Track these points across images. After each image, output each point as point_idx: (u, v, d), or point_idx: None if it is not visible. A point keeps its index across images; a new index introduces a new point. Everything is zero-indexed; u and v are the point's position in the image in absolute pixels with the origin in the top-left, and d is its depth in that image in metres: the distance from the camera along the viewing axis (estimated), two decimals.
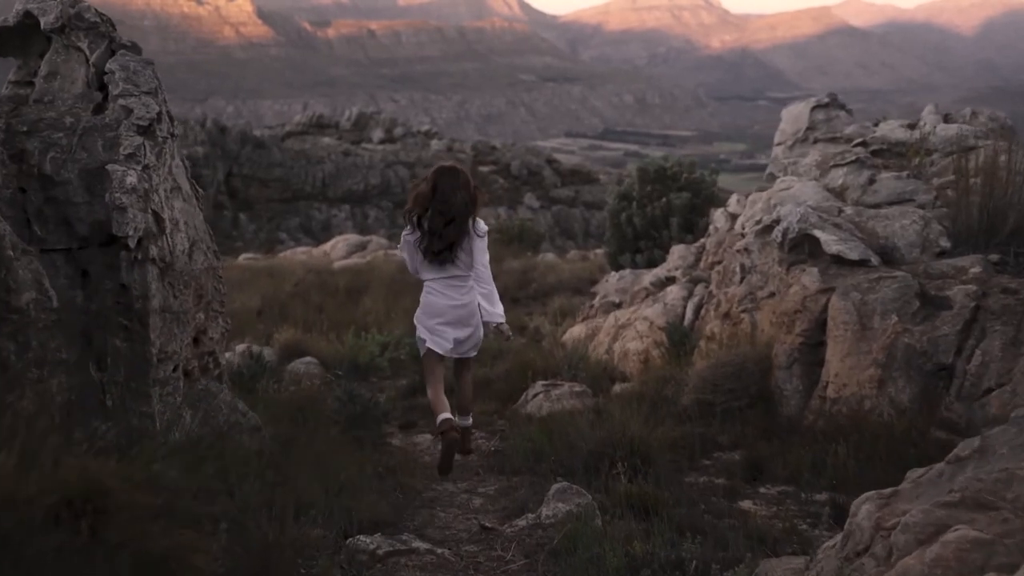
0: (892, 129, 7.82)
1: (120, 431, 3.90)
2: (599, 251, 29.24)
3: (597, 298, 10.94)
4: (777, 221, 5.80)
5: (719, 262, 7.79)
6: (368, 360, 8.33)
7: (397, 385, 8.13)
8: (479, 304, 4.64)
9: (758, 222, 6.12)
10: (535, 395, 6.34)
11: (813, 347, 5.50)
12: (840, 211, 5.86)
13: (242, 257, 20.18)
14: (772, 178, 9.03)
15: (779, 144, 9.13)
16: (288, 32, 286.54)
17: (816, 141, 8.90)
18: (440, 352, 4.65)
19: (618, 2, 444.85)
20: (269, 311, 10.81)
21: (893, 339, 5.05)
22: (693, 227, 12.78)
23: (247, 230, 49.59)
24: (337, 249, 21.47)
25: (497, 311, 4.77)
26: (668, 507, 3.88)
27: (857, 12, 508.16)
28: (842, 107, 9.18)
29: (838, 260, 5.53)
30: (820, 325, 5.46)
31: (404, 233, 4.64)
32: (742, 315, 6.07)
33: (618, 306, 10.26)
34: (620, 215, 12.91)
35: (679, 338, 6.91)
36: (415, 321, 4.73)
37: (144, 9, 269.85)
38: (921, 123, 7.91)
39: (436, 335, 4.60)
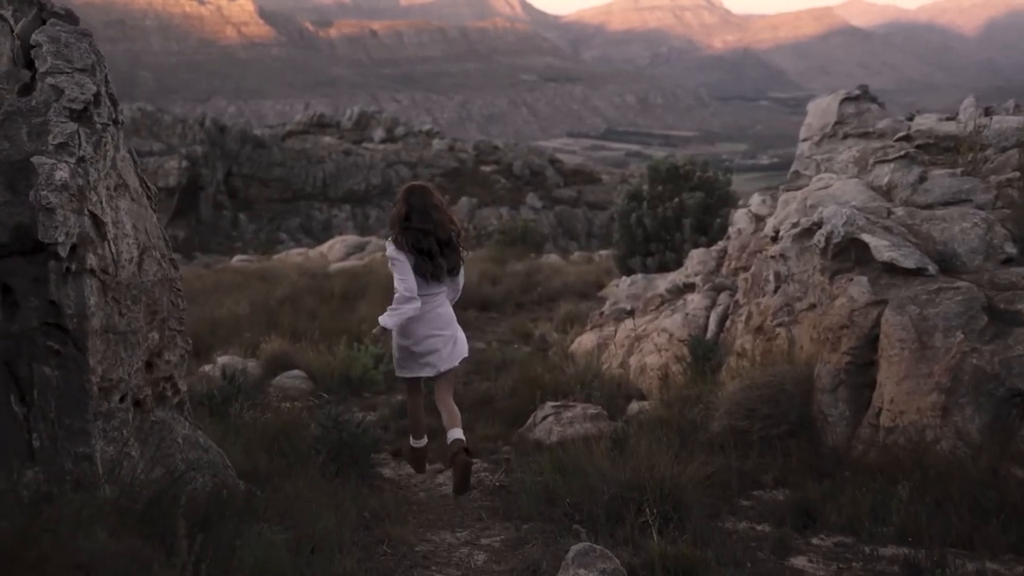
0: (931, 123, 7.15)
1: (50, 478, 3.25)
2: (604, 252, 28.55)
3: (607, 304, 10.27)
4: (819, 224, 5.13)
5: (745, 268, 7.11)
6: (361, 373, 7.67)
7: (392, 401, 7.46)
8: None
9: (795, 225, 5.45)
10: (544, 417, 5.67)
11: (862, 367, 4.83)
12: (889, 212, 5.19)
13: (236, 259, 19.52)
14: (797, 176, 8.36)
15: (805, 140, 8.45)
16: (290, 32, 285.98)
17: (846, 136, 8.23)
18: (427, 376, 4.88)
19: (620, 2, 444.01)
20: (258, 318, 10.14)
21: (959, 360, 4.38)
22: (707, 229, 12.12)
23: (247, 230, 48.99)
24: (335, 250, 20.82)
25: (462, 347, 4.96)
26: (710, 570, 3.21)
27: (859, 12, 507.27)
28: (873, 100, 8.50)
29: (890, 268, 4.85)
30: (870, 342, 4.78)
31: (392, 252, 4.66)
32: (777, 329, 5.40)
33: (630, 313, 9.59)
34: (630, 216, 12.24)
35: (703, 353, 6.24)
36: (394, 343, 4.85)
37: (146, 9, 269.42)
38: (962, 116, 7.24)
39: (419, 360, 4.79)
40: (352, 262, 17.92)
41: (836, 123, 8.24)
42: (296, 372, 7.75)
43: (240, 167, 51.36)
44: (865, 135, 8.11)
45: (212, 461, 3.92)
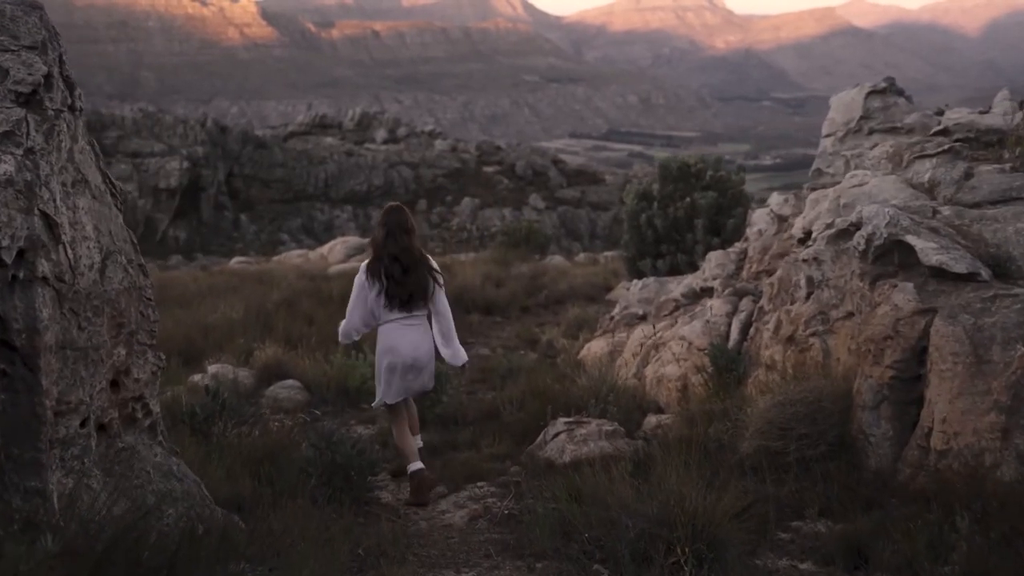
0: (966, 116, 6.70)
1: None
2: (609, 254, 28.11)
3: (617, 309, 9.83)
4: (857, 224, 4.69)
5: (768, 272, 6.67)
6: (359, 384, 7.23)
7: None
8: (436, 346, 4.94)
9: (829, 225, 5.01)
10: (556, 435, 5.22)
11: (908, 382, 4.39)
12: (935, 212, 4.75)
13: (234, 261, 19.09)
14: (819, 174, 7.92)
15: (828, 136, 8.00)
16: (292, 33, 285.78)
17: (871, 132, 7.79)
18: (401, 399, 4.91)
19: (622, 3, 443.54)
20: (253, 323, 9.70)
21: (1020, 375, 3.93)
22: (720, 229, 11.68)
23: (248, 231, 48.61)
24: (335, 252, 20.38)
25: (460, 354, 4.99)
26: None
27: (861, 13, 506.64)
28: (900, 93, 8.05)
29: (938, 273, 4.41)
30: (918, 355, 4.34)
31: (358, 276, 4.85)
32: (811, 340, 4.96)
33: (642, 319, 9.15)
34: (639, 216, 11.79)
35: (725, 363, 5.80)
36: (376, 365, 4.94)
37: (148, 10, 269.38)
38: (996, 110, 6.79)
39: (394, 385, 4.84)
40: (353, 264, 17.48)
41: (861, 118, 7.79)
42: (290, 382, 7.32)
43: (241, 168, 51.02)
44: (892, 130, 7.67)
45: (187, 491, 3.48)
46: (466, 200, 48.77)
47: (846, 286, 4.82)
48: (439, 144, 55.54)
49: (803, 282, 5.16)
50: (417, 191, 50.78)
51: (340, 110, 74.59)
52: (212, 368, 7.50)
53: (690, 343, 6.32)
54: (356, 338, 5.02)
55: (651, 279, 9.49)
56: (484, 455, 5.30)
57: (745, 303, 6.36)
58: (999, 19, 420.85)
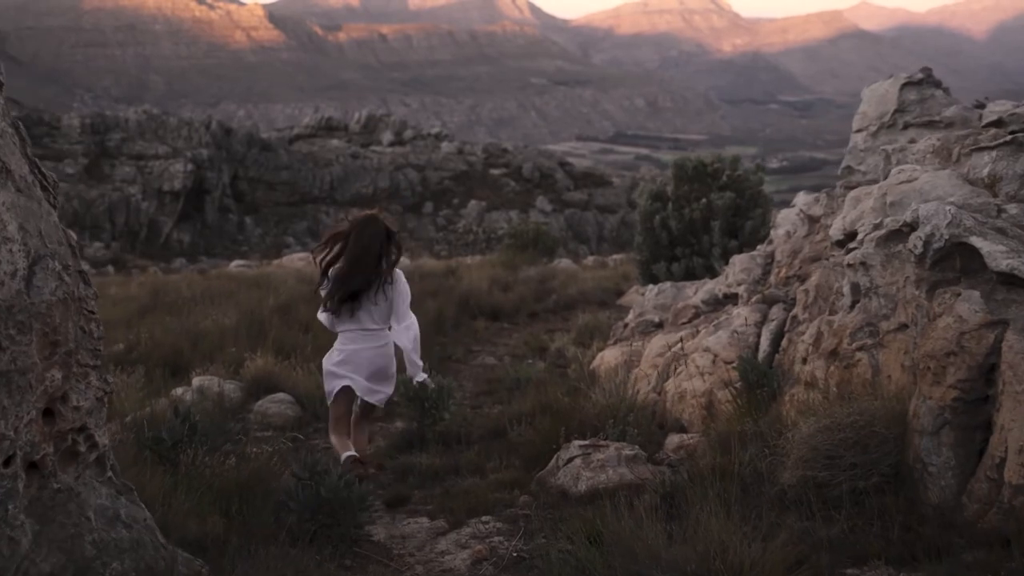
0: (1008, 109, 6.14)
1: None
2: (617, 256, 27.59)
3: (631, 316, 9.28)
4: (912, 225, 4.14)
5: (799, 277, 6.11)
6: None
7: (389, 430, 6.49)
8: (398, 351, 4.79)
9: (877, 226, 4.46)
10: (570, 459, 4.67)
11: (974, 405, 3.82)
12: (1000, 210, 4.19)
13: (233, 264, 18.61)
14: (850, 172, 7.36)
15: (859, 131, 7.43)
16: (299, 36, 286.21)
17: (907, 126, 7.22)
18: (355, 391, 4.72)
19: (629, 5, 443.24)
20: (246, 330, 9.18)
21: None
22: (737, 231, 11.12)
23: (253, 234, 48.27)
24: None
25: (418, 363, 4.76)
26: None
27: (868, 16, 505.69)
28: (937, 85, 7.47)
29: (1008, 280, 3.85)
30: (985, 374, 3.78)
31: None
32: (858, 354, 4.40)
33: (658, 326, 8.60)
34: (653, 218, 11.24)
35: (756, 378, 5.24)
36: (324, 365, 4.86)
37: (156, 13, 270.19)
38: None
39: (347, 378, 4.69)
40: None
41: (895, 111, 7.22)
42: (281, 395, 6.79)
43: (246, 170, 50.71)
44: (930, 124, 7.09)
45: (136, 540, 2.94)
46: (472, 203, 48.35)
47: (898, 294, 4.27)
48: (445, 146, 55.15)
49: (847, 289, 4.60)
50: (423, 193, 50.47)
51: (347, 113, 74.34)
52: (197, 380, 6.97)
53: (716, 355, 5.76)
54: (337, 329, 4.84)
55: (667, 284, 8.94)
56: (490, 482, 4.76)
57: (775, 311, 5.81)
58: (1007, 22, 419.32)
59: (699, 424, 5.65)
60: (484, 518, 4.18)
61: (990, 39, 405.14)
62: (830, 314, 4.90)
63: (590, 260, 25.10)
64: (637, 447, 4.74)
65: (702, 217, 10.96)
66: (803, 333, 5.21)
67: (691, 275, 10.81)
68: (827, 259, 5.45)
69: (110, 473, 3.14)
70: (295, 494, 3.82)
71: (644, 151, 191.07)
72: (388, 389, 4.80)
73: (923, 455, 3.93)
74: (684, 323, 7.87)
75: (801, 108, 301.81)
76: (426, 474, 5.17)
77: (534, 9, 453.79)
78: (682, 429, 5.77)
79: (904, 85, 7.28)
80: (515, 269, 15.84)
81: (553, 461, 4.81)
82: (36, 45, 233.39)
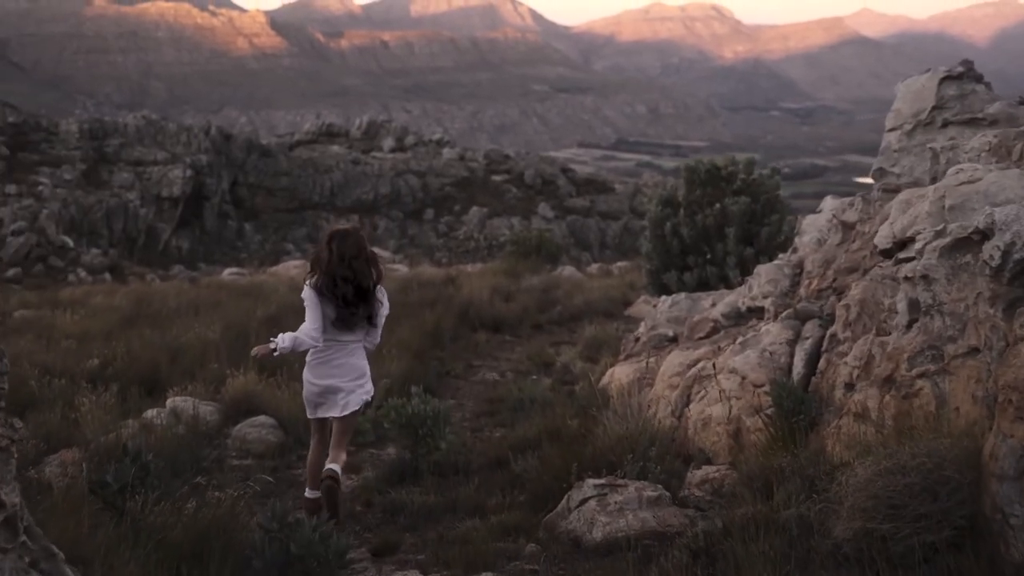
0: None
1: None
2: (621, 264, 26.99)
3: (642, 328, 8.67)
4: (985, 233, 3.55)
5: (835, 290, 5.51)
6: None
7: (380, 458, 5.89)
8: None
9: (939, 233, 3.87)
10: (583, 500, 4.08)
11: None
12: None
13: (226, 272, 18.03)
14: (882, 174, 6.78)
15: (893, 129, 6.85)
16: (301, 43, 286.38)
17: (946, 124, 6.65)
18: (332, 415, 4.74)
19: (630, 12, 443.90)
20: (231, 344, 8.59)
21: None
22: (753, 239, 10.52)
23: (252, 241, 47.76)
24: None
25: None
26: None
27: (869, 22, 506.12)
28: (978, 79, 6.89)
29: None
30: None
31: (306, 294, 4.65)
32: (918, 382, 3.80)
33: (672, 340, 8.00)
34: (664, 224, 10.64)
35: (792, 405, 4.64)
36: (304, 380, 4.85)
37: (158, 20, 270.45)
38: None
39: (324, 399, 4.74)
40: None
41: (934, 108, 6.64)
42: (263, 419, 6.19)
43: (246, 176, 50.25)
44: (972, 122, 6.53)
45: None
46: (474, 209, 47.86)
47: (967, 313, 3.67)
48: (447, 153, 54.67)
49: (903, 306, 4.00)
50: (424, 200, 50.03)
51: (349, 119, 74.03)
52: (171, 402, 6.38)
53: (743, 377, 5.16)
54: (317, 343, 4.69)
55: (681, 295, 8.35)
56: (491, 526, 4.16)
57: (810, 328, 5.21)
58: (1008, 29, 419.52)
59: (725, 455, 5.05)
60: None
61: (992, 46, 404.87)
62: (879, 334, 4.30)
63: (594, 268, 24.52)
64: (660, 487, 4.14)
65: (715, 223, 10.36)
66: (845, 354, 4.61)
67: (704, 285, 10.22)
68: (866, 270, 4.86)
69: (24, 537, 2.54)
70: (261, 549, 3.22)
71: (646, 158, 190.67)
72: (363, 392, 4.80)
73: (1003, 504, 3.33)
74: (701, 338, 7.28)
75: (802, 115, 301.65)
76: (419, 513, 4.58)
77: (536, 16, 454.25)
78: (706, 460, 5.16)
79: (943, 80, 6.71)
80: (517, 277, 15.26)
81: (564, 502, 4.21)
82: (38, 52, 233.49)
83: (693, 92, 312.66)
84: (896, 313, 4.09)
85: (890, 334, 4.12)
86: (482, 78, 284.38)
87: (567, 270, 20.76)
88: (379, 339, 4.92)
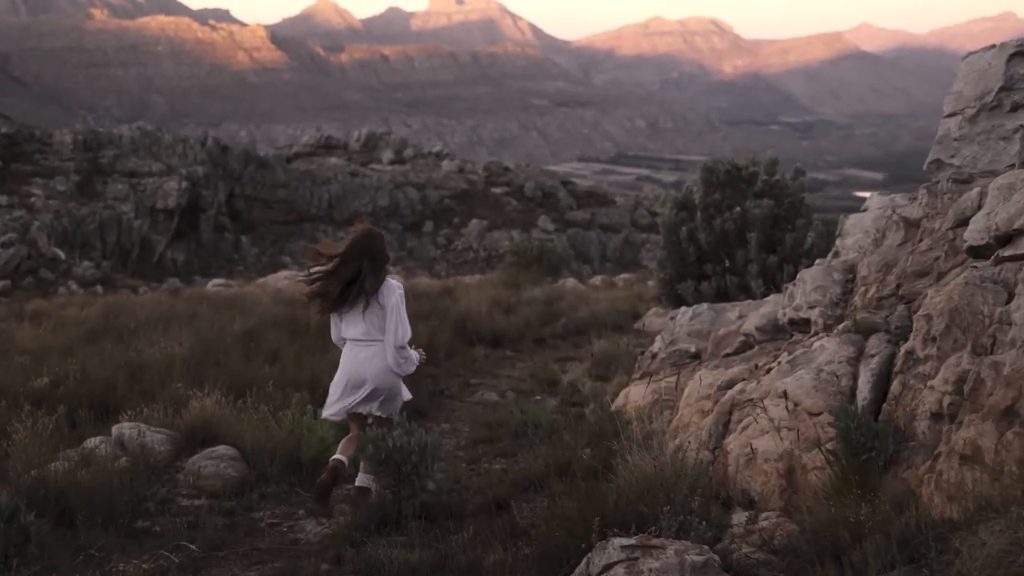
0: None
1: None
2: (625, 276, 26.12)
3: (659, 343, 7.76)
4: None
5: (903, 297, 4.61)
6: (315, 453, 5.18)
7: (356, 499, 4.96)
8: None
9: None
10: (608, 566, 3.16)
11: None
12: None
13: (211, 284, 17.14)
14: (939, 166, 5.91)
15: (952, 115, 5.98)
16: (301, 57, 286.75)
17: (1016, 107, 5.77)
18: (360, 412, 4.76)
19: (630, 27, 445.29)
20: (199, 361, 7.67)
21: None
22: (776, 245, 9.63)
23: (249, 253, 46.99)
24: None
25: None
26: None
27: (869, 37, 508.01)
28: None
29: None
30: None
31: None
32: None
33: (695, 357, 7.10)
34: (679, 230, 9.75)
35: (863, 440, 3.73)
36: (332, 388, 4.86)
37: (159, 34, 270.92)
38: None
39: (346, 399, 4.75)
40: None
41: (1001, 89, 5.77)
42: (222, 449, 5.27)
43: (243, 188, 49.59)
44: None
45: None
46: (474, 222, 47.19)
47: None
48: (446, 165, 54.07)
49: (1020, 316, 3.12)
50: (423, 212, 49.39)
51: (349, 133, 73.46)
52: (117, 429, 5.46)
53: (796, 404, 4.25)
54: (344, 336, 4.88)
55: (704, 306, 7.44)
56: None
57: (875, 344, 4.30)
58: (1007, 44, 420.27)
59: (776, 498, 4.13)
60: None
61: None
62: (976, 352, 3.39)
63: (597, 280, 23.65)
64: (706, 548, 3.21)
65: (736, 229, 9.47)
66: (929, 376, 3.71)
67: (723, 296, 9.32)
68: (942, 273, 3.97)
69: None
70: None
71: (646, 171, 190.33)
72: (390, 395, 4.78)
73: None
74: (730, 354, 6.37)
75: (802, 129, 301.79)
76: (400, 574, 3.65)
77: (536, 31, 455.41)
78: (750, 503, 4.25)
79: (1013, 55, 5.84)
80: (518, 289, 14.37)
81: (583, 566, 3.28)
82: (38, 66, 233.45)
83: (693, 106, 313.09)
84: (1010, 325, 3.19)
85: (1004, 352, 3.22)
86: (482, 92, 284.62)
87: (570, 282, 19.90)
88: (395, 334, 4.67)
